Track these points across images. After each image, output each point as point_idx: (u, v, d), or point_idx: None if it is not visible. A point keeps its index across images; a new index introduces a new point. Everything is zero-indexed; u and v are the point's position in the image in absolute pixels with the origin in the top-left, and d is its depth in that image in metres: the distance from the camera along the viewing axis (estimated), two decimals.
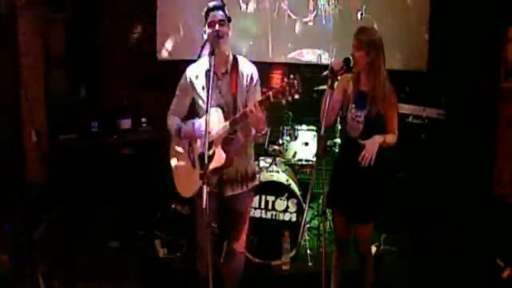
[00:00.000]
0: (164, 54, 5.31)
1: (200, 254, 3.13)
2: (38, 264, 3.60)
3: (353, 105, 3.06)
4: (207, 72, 2.95)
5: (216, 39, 2.87)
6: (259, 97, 2.94)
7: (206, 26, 2.92)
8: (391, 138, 3.02)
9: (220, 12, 2.91)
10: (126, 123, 4.86)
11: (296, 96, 2.68)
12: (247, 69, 3.03)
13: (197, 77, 3.03)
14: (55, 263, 3.77)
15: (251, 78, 3.02)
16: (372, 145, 2.94)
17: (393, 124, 3.04)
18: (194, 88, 3.04)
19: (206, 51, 3.09)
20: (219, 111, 2.95)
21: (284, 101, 2.72)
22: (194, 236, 3.16)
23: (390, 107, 3.03)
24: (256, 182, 3.22)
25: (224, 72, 2.98)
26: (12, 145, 4.38)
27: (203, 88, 3.01)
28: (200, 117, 3.06)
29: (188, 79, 3.06)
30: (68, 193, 4.47)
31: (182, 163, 3.12)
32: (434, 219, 4.56)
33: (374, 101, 3.00)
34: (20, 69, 4.41)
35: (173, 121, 3.11)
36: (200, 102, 3.02)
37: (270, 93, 2.71)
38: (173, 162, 3.20)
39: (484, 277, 3.82)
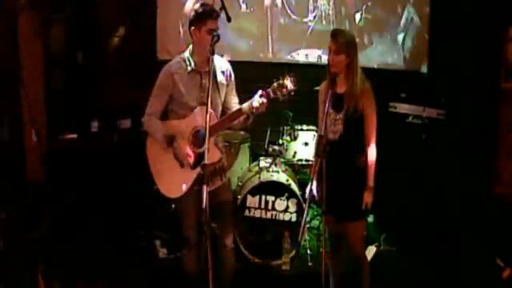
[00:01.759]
0: (164, 54, 5.31)
1: (188, 249, 3.15)
2: (38, 264, 3.60)
3: (331, 110, 3.06)
4: (189, 73, 3.01)
5: (213, 46, 2.88)
6: (235, 93, 3.13)
7: (204, 31, 2.91)
8: (372, 169, 3.03)
9: (218, 21, 2.95)
10: (126, 123, 4.86)
11: (292, 93, 2.79)
12: (223, 65, 3.11)
13: (179, 75, 3.02)
14: (55, 263, 3.77)
15: (230, 75, 3.12)
16: (369, 198, 3.03)
17: (371, 128, 3.03)
18: (175, 87, 3.02)
19: (186, 50, 3.09)
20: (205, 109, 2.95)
21: (281, 98, 2.80)
22: (182, 231, 3.15)
23: (367, 104, 3.01)
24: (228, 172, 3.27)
25: (207, 71, 2.99)
26: (12, 145, 4.38)
27: (185, 87, 3.01)
28: (182, 118, 3.04)
29: (169, 78, 3.03)
30: (68, 193, 4.47)
31: (165, 164, 3.09)
32: (434, 219, 4.55)
33: (350, 101, 3.00)
34: (20, 69, 4.41)
35: (156, 125, 3.10)
36: (183, 100, 3.01)
37: (270, 90, 2.80)
38: (154, 164, 3.17)
39: (484, 277, 3.82)
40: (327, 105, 2.93)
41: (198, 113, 2.98)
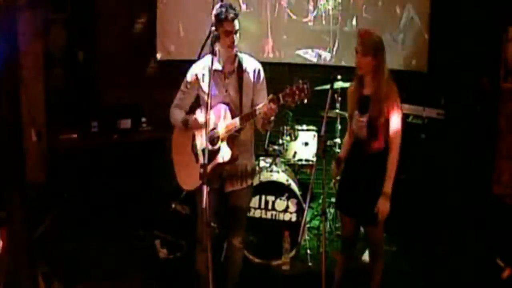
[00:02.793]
0: (164, 54, 5.31)
1: (200, 250, 3.15)
2: (38, 264, 3.60)
3: (357, 111, 3.05)
4: (214, 72, 3.02)
5: (231, 49, 2.96)
6: (265, 94, 3.06)
7: (221, 32, 2.93)
8: (391, 174, 2.98)
9: (236, 22, 2.96)
10: (126, 123, 4.87)
11: (305, 101, 2.74)
12: (253, 66, 3.11)
13: (203, 75, 3.08)
14: (55, 263, 3.77)
15: (258, 75, 3.11)
16: (383, 206, 2.98)
17: (395, 132, 2.97)
18: (200, 86, 3.09)
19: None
20: (225, 108, 2.99)
21: (293, 105, 2.78)
22: (195, 232, 3.17)
23: (392, 108, 2.97)
24: (254, 178, 3.27)
25: (231, 71, 3.04)
26: (12, 145, 4.37)
27: (209, 86, 3.03)
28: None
29: (194, 76, 3.11)
30: (68, 193, 4.47)
31: (184, 156, 3.15)
32: (434, 219, 4.56)
33: (376, 103, 2.97)
34: (20, 69, 4.41)
35: (178, 113, 3.15)
36: (206, 98, 3.04)
37: (280, 95, 2.77)
38: (175, 155, 3.24)
39: (484, 277, 3.82)
40: (327, 105, 2.93)
41: (217, 110, 2.99)
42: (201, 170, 2.59)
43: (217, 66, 3.03)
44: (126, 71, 5.18)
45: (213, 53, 2.87)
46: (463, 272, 3.92)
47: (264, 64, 5.53)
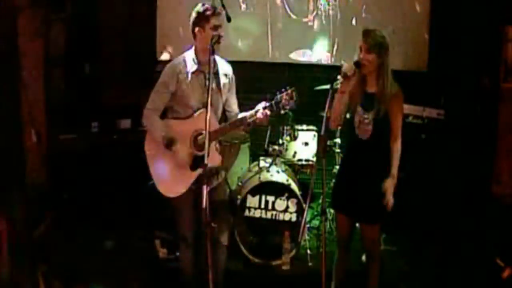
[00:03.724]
0: (164, 54, 5.31)
1: (185, 248, 3.17)
2: (38, 264, 3.60)
3: (360, 108, 3.06)
4: (194, 73, 3.02)
5: (218, 44, 2.94)
6: (235, 94, 3.16)
7: (209, 28, 2.93)
8: (396, 160, 3.02)
9: (222, 17, 2.97)
10: (126, 123, 4.86)
11: (294, 107, 2.86)
12: (226, 68, 3.13)
13: (183, 75, 3.04)
14: (55, 263, 3.77)
15: (232, 77, 3.15)
16: (390, 192, 3.01)
17: (397, 128, 3.03)
18: (179, 86, 3.03)
19: (190, 49, 3.11)
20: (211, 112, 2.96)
21: (282, 112, 2.89)
22: (178, 230, 3.17)
23: (396, 108, 3.02)
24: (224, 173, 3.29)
25: (213, 72, 3.01)
26: (12, 145, 4.38)
27: (188, 86, 3.02)
28: (184, 118, 3.05)
29: (173, 77, 3.04)
30: (68, 193, 4.47)
31: (166, 162, 3.09)
32: (434, 219, 4.56)
33: (382, 102, 2.99)
34: (20, 69, 4.41)
35: (159, 125, 3.08)
36: (186, 100, 3.03)
37: (273, 103, 2.84)
38: (153, 160, 3.17)
39: (484, 277, 3.82)
40: (327, 105, 2.93)
41: (199, 115, 2.97)
42: (201, 171, 2.61)
43: (197, 66, 3.02)
44: (126, 71, 5.18)
45: (212, 53, 2.86)
46: (463, 272, 3.92)
47: (264, 64, 5.56)
